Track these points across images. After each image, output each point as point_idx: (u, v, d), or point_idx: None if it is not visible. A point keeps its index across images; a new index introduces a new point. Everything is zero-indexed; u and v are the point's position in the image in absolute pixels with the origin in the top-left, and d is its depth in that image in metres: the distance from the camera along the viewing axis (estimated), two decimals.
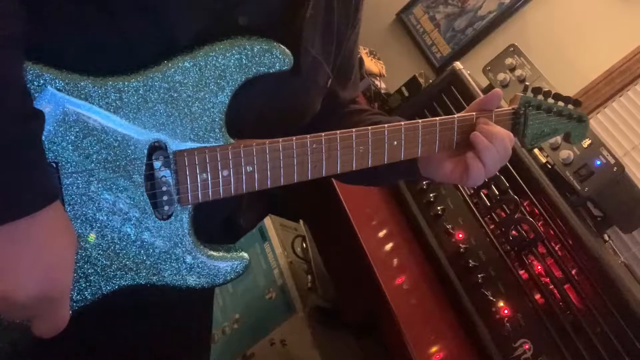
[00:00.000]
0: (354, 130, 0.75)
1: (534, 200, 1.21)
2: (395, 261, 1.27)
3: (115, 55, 0.63)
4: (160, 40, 0.64)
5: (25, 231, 0.52)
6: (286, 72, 0.69)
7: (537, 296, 1.12)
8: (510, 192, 1.23)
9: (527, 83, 1.42)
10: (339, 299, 1.53)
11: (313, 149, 0.73)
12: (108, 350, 0.82)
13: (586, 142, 1.30)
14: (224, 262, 0.73)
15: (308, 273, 1.57)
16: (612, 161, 1.26)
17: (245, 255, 0.75)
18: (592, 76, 2.05)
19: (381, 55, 2.41)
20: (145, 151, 0.65)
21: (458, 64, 1.45)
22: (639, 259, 1.80)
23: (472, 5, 2.46)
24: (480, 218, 1.25)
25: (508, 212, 1.22)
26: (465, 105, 1.06)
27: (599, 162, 1.27)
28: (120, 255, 0.67)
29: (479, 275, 1.18)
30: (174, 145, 0.66)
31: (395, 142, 0.79)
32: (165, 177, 0.66)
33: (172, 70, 0.64)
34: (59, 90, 0.59)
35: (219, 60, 0.66)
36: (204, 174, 0.67)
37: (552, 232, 1.17)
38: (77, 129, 0.61)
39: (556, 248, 1.15)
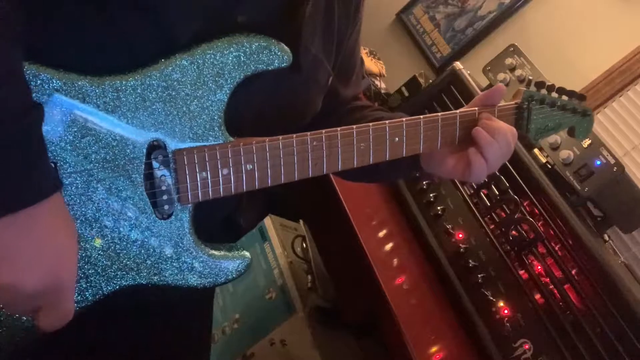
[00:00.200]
0: (354, 127, 0.75)
1: (534, 200, 1.21)
2: (395, 261, 1.27)
3: (114, 54, 0.63)
4: (159, 39, 0.64)
5: (29, 222, 0.53)
6: (286, 70, 0.69)
7: (537, 296, 1.12)
8: (510, 192, 1.23)
9: (530, 78, 1.41)
10: (339, 299, 1.53)
11: (314, 147, 0.72)
12: (108, 350, 0.82)
13: (586, 142, 1.30)
14: (225, 261, 0.73)
15: (308, 273, 1.57)
16: (612, 161, 1.26)
17: (247, 254, 0.75)
18: (592, 76, 2.05)
19: (381, 55, 2.41)
20: (144, 150, 0.65)
21: (458, 64, 1.45)
22: (639, 259, 1.80)
23: (472, 5, 2.46)
24: (480, 218, 1.25)
25: (508, 212, 1.21)
26: (465, 105, 1.06)
27: (599, 162, 1.27)
28: (121, 255, 0.67)
29: (479, 275, 1.18)
30: (173, 144, 0.66)
31: (397, 139, 0.78)
32: (165, 176, 0.66)
33: (170, 68, 0.64)
34: (56, 90, 0.59)
35: (217, 57, 0.66)
36: (204, 173, 0.67)
37: (552, 232, 1.17)
38: (75, 129, 0.61)
39: (556, 248, 1.15)
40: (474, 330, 1.14)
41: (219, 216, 0.84)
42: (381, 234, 1.33)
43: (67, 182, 0.61)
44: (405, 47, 2.66)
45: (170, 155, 0.66)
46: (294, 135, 0.71)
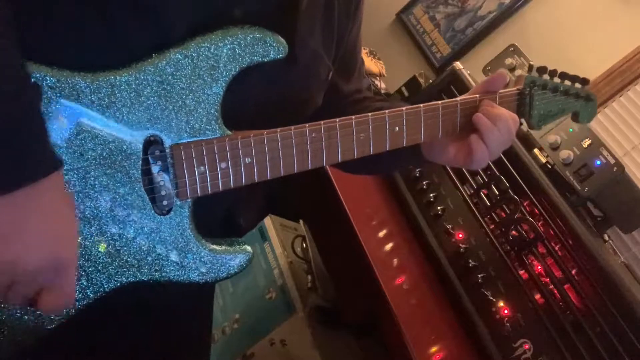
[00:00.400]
0: (353, 117, 0.74)
1: (534, 200, 1.21)
2: (395, 261, 1.27)
3: (108, 49, 0.62)
4: (154, 33, 0.64)
5: (29, 201, 0.53)
6: (283, 63, 0.68)
7: (537, 296, 1.12)
8: (510, 192, 1.23)
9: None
10: (339, 299, 1.53)
11: (312, 138, 0.71)
12: (109, 349, 0.82)
13: (586, 142, 1.30)
14: (227, 256, 0.72)
15: (308, 273, 1.57)
16: (612, 161, 1.26)
17: (249, 248, 0.74)
18: (592, 76, 2.05)
19: (381, 55, 2.41)
20: (141, 146, 0.64)
21: (458, 64, 1.45)
22: (639, 259, 1.80)
23: (472, 5, 2.46)
24: (480, 218, 1.25)
25: (508, 212, 1.21)
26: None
27: (599, 162, 1.27)
28: (121, 252, 0.66)
29: (479, 275, 1.18)
30: (170, 139, 0.65)
31: (397, 128, 0.77)
32: (162, 171, 0.66)
33: (164, 62, 0.63)
34: (50, 87, 0.59)
35: (212, 50, 0.65)
36: (202, 167, 0.67)
37: (552, 232, 1.17)
38: (71, 126, 0.60)
39: (556, 248, 1.15)
40: (474, 330, 1.14)
41: (219, 216, 0.84)
42: (381, 234, 1.33)
43: (64, 180, 0.61)
44: (405, 47, 2.66)
45: (167, 151, 0.65)
46: (292, 127, 0.70)
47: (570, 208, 1.17)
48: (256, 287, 1.58)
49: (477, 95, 0.82)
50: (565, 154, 1.30)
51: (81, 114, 0.61)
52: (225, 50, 0.65)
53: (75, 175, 0.62)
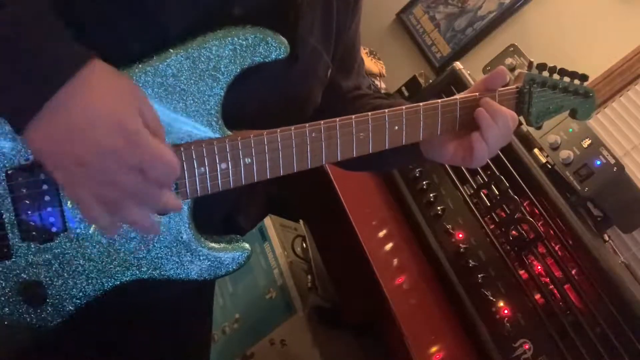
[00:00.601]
0: (353, 117, 0.74)
1: (534, 200, 1.21)
2: (395, 261, 1.27)
3: (109, 51, 0.62)
4: (154, 33, 0.63)
5: (67, 96, 0.53)
6: (284, 62, 0.68)
7: (537, 296, 1.12)
8: (510, 192, 1.23)
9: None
10: (339, 299, 1.53)
11: (312, 138, 0.71)
12: (109, 350, 0.82)
13: (586, 142, 1.30)
14: (225, 254, 0.73)
15: (308, 273, 1.57)
16: (612, 161, 1.26)
17: (247, 245, 0.74)
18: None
19: (381, 55, 2.41)
20: None
21: (458, 64, 1.45)
22: (639, 259, 1.80)
23: (472, 5, 2.45)
24: (480, 218, 1.25)
25: (508, 212, 1.21)
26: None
27: (599, 162, 1.27)
28: (121, 251, 0.67)
29: (479, 275, 1.18)
30: (170, 140, 0.65)
31: (397, 127, 0.77)
32: None
33: (165, 64, 0.63)
34: None
35: (213, 51, 0.65)
36: (202, 168, 0.67)
37: (552, 232, 1.17)
38: None
39: (556, 248, 1.15)
40: (474, 330, 1.14)
41: (219, 216, 0.84)
42: (381, 234, 1.33)
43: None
44: (405, 47, 2.66)
45: None
46: (292, 127, 0.70)
47: (570, 208, 1.17)
48: (256, 287, 1.58)
49: (477, 94, 0.82)
50: (565, 154, 1.30)
51: None
52: (226, 51, 0.65)
53: None
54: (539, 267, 1.15)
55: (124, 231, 0.66)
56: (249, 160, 0.68)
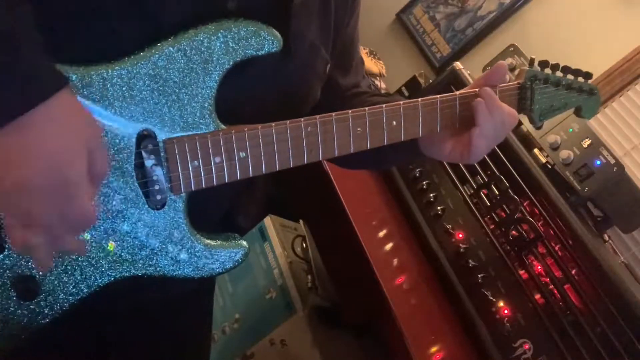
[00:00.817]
0: (350, 111, 0.73)
1: (534, 200, 1.21)
2: (395, 261, 1.27)
3: (101, 43, 0.62)
4: (147, 26, 0.63)
5: (42, 119, 0.52)
6: (279, 56, 0.68)
7: (537, 296, 1.12)
8: (510, 192, 1.23)
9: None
10: (339, 299, 1.53)
11: (308, 132, 0.70)
12: (109, 350, 0.82)
13: (586, 142, 1.30)
14: (222, 251, 0.72)
15: (308, 273, 1.57)
16: (612, 161, 1.26)
17: (244, 243, 0.74)
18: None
19: (381, 55, 2.41)
20: (134, 140, 0.64)
21: (458, 64, 1.44)
22: (639, 259, 1.80)
23: (472, 5, 2.45)
24: (480, 218, 1.25)
25: (508, 212, 1.21)
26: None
27: (599, 162, 1.27)
28: (115, 246, 0.66)
29: (479, 275, 1.18)
30: (163, 133, 0.65)
31: (395, 122, 0.76)
32: (156, 166, 0.65)
33: (157, 56, 0.63)
34: None
35: (205, 44, 0.64)
36: (195, 162, 0.66)
37: (552, 232, 1.17)
38: None
39: (556, 248, 1.15)
40: (474, 330, 1.14)
41: (217, 215, 0.83)
42: (381, 234, 1.33)
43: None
44: (405, 47, 2.66)
45: (160, 145, 0.65)
46: (287, 122, 0.69)
47: (570, 208, 1.17)
48: (256, 287, 1.58)
49: (477, 90, 0.81)
50: (565, 154, 1.30)
51: None
52: (218, 44, 0.65)
53: None
54: (539, 267, 1.15)
55: (118, 227, 0.65)
56: (244, 154, 0.68)
